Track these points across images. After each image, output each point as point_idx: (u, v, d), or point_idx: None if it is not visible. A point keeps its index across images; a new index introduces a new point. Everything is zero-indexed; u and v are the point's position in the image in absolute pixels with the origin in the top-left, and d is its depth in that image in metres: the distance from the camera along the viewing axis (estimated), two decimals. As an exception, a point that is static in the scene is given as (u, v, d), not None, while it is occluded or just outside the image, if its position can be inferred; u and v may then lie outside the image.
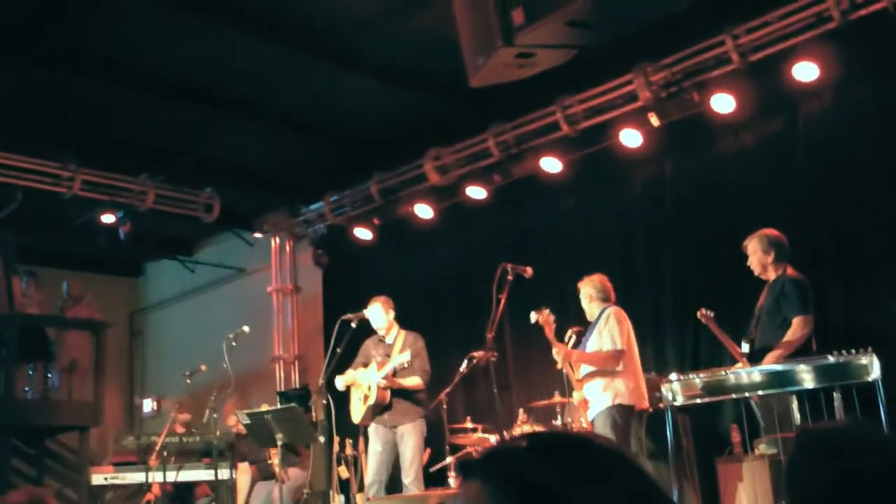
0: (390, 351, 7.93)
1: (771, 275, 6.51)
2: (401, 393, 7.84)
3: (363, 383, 7.94)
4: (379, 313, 7.97)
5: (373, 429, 7.94)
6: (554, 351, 6.83)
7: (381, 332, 8.07)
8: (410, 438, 7.71)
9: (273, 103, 9.37)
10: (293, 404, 8.14)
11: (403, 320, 10.23)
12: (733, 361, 6.47)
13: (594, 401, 6.77)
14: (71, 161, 9.80)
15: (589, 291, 7.01)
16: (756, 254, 6.54)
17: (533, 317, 6.99)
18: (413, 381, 7.81)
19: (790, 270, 6.50)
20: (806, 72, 7.52)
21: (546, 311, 6.97)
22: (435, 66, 8.49)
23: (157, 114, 9.40)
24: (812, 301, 6.40)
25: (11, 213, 9.94)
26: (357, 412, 7.96)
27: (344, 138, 10.29)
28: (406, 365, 7.73)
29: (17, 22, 7.73)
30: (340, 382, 7.88)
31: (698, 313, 6.52)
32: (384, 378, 7.68)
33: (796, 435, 2.05)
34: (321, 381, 7.66)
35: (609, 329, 6.74)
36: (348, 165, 10.78)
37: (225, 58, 8.46)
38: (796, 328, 6.21)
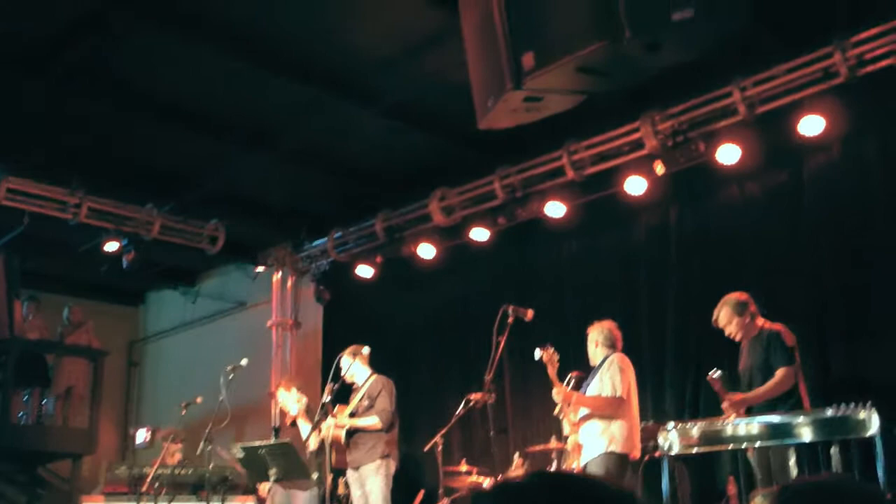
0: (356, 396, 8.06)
1: (750, 334, 6.54)
2: (362, 434, 7.87)
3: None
4: (345, 363, 8.04)
5: (349, 473, 7.99)
6: (554, 391, 6.82)
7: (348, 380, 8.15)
8: (372, 480, 7.74)
9: (282, 137, 9.43)
10: (288, 440, 8.11)
11: (401, 359, 10.27)
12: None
13: (589, 445, 6.74)
14: (78, 188, 9.86)
15: (596, 337, 7.03)
16: (732, 321, 6.57)
17: (538, 353, 6.99)
18: (369, 421, 7.84)
19: (766, 323, 6.54)
20: (812, 125, 7.57)
21: (551, 350, 6.97)
22: (445, 107, 8.55)
23: (168, 143, 9.46)
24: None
25: (17, 237, 9.99)
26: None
27: (351, 175, 10.34)
28: (357, 411, 7.86)
29: (31, 47, 7.81)
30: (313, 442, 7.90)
31: (708, 377, 6.46)
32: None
33: (779, 490, 2.04)
34: (317, 417, 7.64)
35: (611, 375, 6.73)
36: (354, 202, 10.83)
37: (237, 89, 8.53)
38: (782, 379, 6.24)
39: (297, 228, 11.79)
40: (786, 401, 6.17)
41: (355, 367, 8.08)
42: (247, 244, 12.22)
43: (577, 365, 7.69)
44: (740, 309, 6.54)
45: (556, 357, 6.97)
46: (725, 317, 6.57)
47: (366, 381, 8.11)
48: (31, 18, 7.43)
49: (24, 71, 8.07)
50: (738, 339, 6.62)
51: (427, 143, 9.44)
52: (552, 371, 6.88)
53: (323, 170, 10.21)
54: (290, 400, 8.54)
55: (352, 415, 7.99)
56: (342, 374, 8.04)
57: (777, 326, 6.50)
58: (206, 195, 10.63)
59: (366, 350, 8.12)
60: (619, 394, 6.63)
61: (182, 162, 10.01)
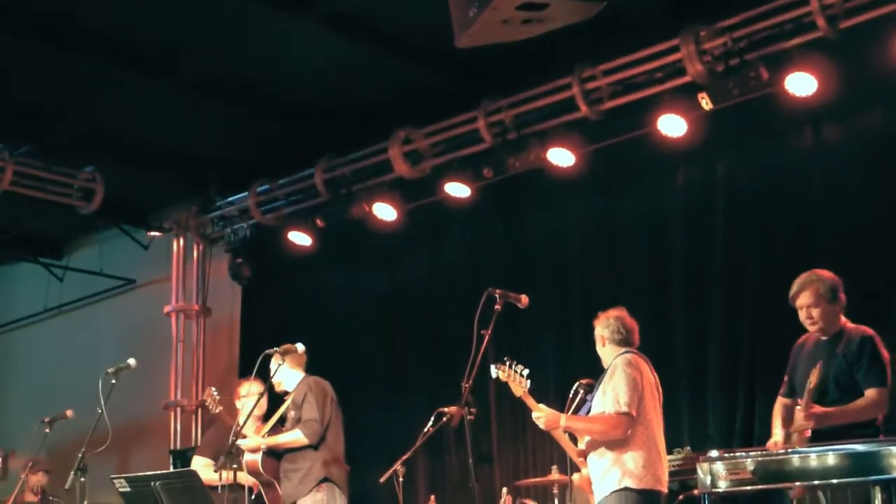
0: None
1: (829, 331, 6.55)
2: (292, 458, 7.97)
3: None
4: (273, 367, 8.12)
5: None
6: (534, 415, 6.83)
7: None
8: None
9: (187, 56, 9.39)
10: (192, 468, 8.12)
11: (348, 359, 10.30)
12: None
13: (598, 481, 6.79)
14: None
15: (599, 333, 7.03)
16: (819, 305, 6.53)
17: (493, 372, 7.01)
18: (290, 437, 7.93)
19: (848, 323, 6.55)
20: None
21: (510, 365, 6.98)
22: (408, 18, 8.55)
23: (28, 62, 9.36)
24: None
25: None
26: None
27: (281, 109, 10.31)
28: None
29: None
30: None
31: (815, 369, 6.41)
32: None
33: None
34: (232, 438, 7.65)
35: (614, 385, 6.73)
36: (285, 145, 10.80)
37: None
38: (876, 402, 6.25)
39: (204, 181, 11.76)
40: (863, 430, 6.21)
41: (283, 372, 8.10)
42: (135, 201, 12.18)
43: (591, 369, 7.69)
44: (833, 294, 6.50)
45: (521, 370, 6.96)
46: (811, 298, 6.52)
47: (295, 388, 8.17)
48: None
49: None
50: (816, 330, 6.61)
51: (386, 66, 9.41)
52: (520, 392, 6.89)
53: (241, 102, 10.18)
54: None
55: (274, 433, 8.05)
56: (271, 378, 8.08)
57: (866, 329, 6.51)
58: (79, 134, 10.56)
59: (300, 348, 8.13)
60: (623, 409, 6.64)
61: (45, 90, 9.90)
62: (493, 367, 6.96)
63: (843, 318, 6.55)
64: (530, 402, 6.85)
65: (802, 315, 6.55)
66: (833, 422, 6.20)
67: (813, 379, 6.14)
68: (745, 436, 8.20)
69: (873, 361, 6.31)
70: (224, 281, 12.04)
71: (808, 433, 6.18)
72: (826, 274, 6.56)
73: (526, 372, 6.90)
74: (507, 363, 6.93)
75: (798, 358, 6.66)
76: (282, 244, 11.11)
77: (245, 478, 7.95)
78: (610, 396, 6.69)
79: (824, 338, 6.54)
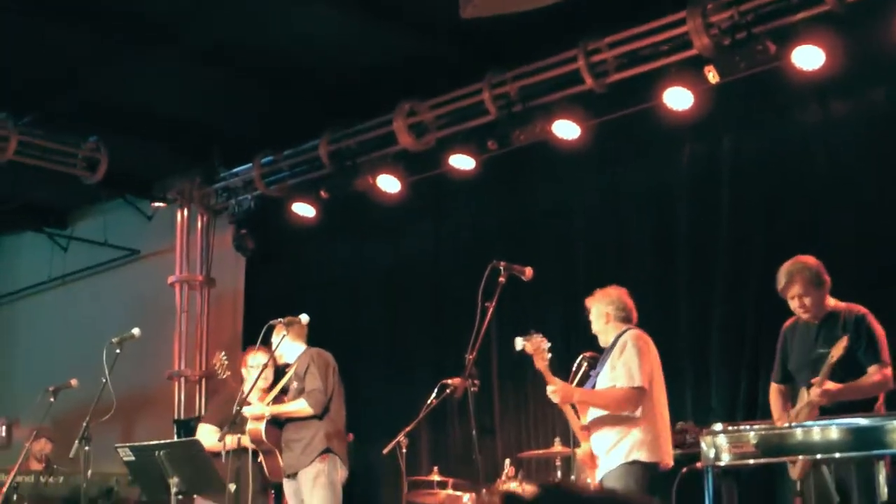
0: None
1: (818, 315, 6.55)
2: (294, 428, 8.00)
3: None
4: (274, 340, 8.15)
5: (285, 484, 8.13)
6: (549, 388, 6.84)
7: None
8: (312, 486, 7.86)
9: (191, 27, 9.33)
10: (195, 438, 8.13)
11: (352, 330, 10.29)
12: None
13: (604, 455, 6.80)
14: None
15: (603, 309, 7.02)
16: (810, 293, 6.55)
17: (519, 343, 7.00)
18: (295, 406, 7.99)
19: (840, 303, 6.56)
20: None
21: (537, 337, 6.97)
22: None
23: (29, 34, 9.32)
24: None
25: None
26: None
27: (285, 80, 10.27)
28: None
29: None
30: None
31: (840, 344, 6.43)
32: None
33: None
34: (237, 407, 7.68)
35: (626, 360, 6.75)
36: (290, 117, 10.78)
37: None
38: (883, 380, 6.28)
39: (208, 152, 11.74)
40: (863, 408, 6.22)
41: (284, 344, 8.12)
42: (139, 171, 12.16)
43: (593, 342, 7.70)
44: (819, 279, 6.53)
45: (546, 346, 6.97)
46: (801, 287, 6.55)
47: (297, 359, 8.19)
48: None
49: None
50: (806, 317, 6.64)
51: (391, 38, 9.37)
52: (540, 364, 6.90)
53: (246, 73, 10.14)
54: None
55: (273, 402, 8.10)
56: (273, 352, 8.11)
57: (859, 308, 6.52)
58: (83, 104, 10.53)
59: (304, 319, 8.15)
60: (637, 383, 6.67)
61: (47, 60, 9.85)
62: (519, 339, 6.98)
63: (829, 299, 6.58)
64: (549, 375, 6.87)
65: (794, 304, 6.59)
66: (844, 398, 6.23)
67: (835, 353, 6.16)
68: (749, 409, 8.20)
69: (871, 339, 6.38)
70: (228, 252, 12.05)
71: (817, 411, 6.20)
72: (809, 260, 6.60)
73: (548, 345, 6.93)
74: (533, 335, 6.95)
75: (790, 342, 6.70)
76: (286, 216, 11.12)
77: (249, 444, 7.99)
78: (621, 371, 6.72)
79: (815, 321, 6.56)
